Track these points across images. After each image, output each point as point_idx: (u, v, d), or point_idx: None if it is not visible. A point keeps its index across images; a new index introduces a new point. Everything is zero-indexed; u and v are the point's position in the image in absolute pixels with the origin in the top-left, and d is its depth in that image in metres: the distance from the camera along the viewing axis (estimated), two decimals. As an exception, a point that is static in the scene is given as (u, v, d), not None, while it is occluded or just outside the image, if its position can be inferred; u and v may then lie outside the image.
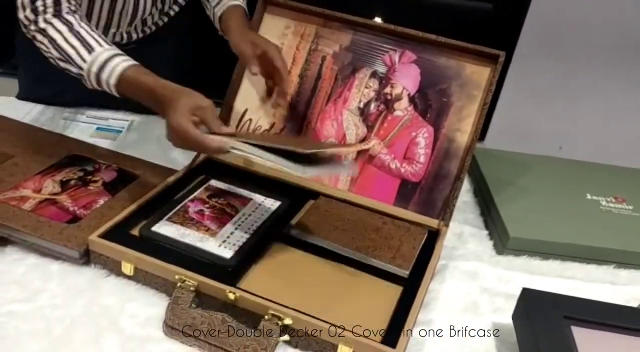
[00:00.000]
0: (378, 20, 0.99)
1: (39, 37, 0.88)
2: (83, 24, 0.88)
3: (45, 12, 0.88)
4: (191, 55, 1.31)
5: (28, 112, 1.15)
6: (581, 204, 1.04)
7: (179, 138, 0.80)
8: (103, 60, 0.85)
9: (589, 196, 1.07)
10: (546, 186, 1.08)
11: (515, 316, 0.76)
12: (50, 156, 0.97)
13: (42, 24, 0.88)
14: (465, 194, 1.09)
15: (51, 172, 0.93)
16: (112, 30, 1.10)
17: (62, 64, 0.88)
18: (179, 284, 0.74)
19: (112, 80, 0.85)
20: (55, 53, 0.87)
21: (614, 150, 1.74)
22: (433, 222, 0.93)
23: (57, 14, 0.88)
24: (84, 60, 0.85)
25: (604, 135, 2.07)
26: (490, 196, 1.03)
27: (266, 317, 0.71)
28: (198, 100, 0.81)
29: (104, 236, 0.80)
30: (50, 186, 0.90)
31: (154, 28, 1.17)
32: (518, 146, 1.26)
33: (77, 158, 0.98)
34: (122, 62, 0.85)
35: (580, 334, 0.70)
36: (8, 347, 0.68)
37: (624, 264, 0.94)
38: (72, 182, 0.92)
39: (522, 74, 1.97)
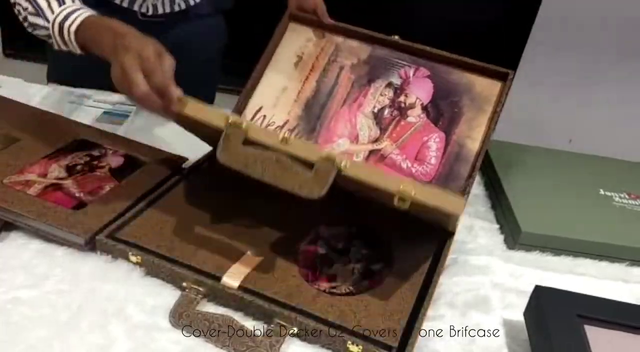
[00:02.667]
0: (396, 37, 1.03)
1: None
2: None
3: None
4: (223, 40, 1.30)
5: (34, 95, 1.13)
6: (594, 200, 1.03)
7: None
8: (71, 10, 0.83)
9: (602, 192, 1.05)
10: (559, 180, 1.06)
11: (527, 313, 0.75)
12: (56, 140, 0.95)
13: None
14: (476, 187, 1.08)
15: (57, 156, 0.92)
16: (139, 1, 1.10)
17: (31, 19, 0.85)
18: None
19: (73, 27, 0.82)
20: (26, 4, 0.85)
21: (624, 144, 1.72)
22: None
23: None
24: (52, 11, 0.83)
25: (614, 129, 2.05)
26: (501, 189, 1.01)
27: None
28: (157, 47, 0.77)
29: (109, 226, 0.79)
30: (56, 170, 0.89)
31: (183, 6, 1.15)
32: (527, 138, 1.24)
33: (83, 143, 0.97)
34: (89, 11, 0.83)
35: (594, 334, 0.69)
36: (14, 334, 0.67)
37: (638, 262, 0.93)
38: (79, 167, 0.91)
39: (534, 66, 1.94)
